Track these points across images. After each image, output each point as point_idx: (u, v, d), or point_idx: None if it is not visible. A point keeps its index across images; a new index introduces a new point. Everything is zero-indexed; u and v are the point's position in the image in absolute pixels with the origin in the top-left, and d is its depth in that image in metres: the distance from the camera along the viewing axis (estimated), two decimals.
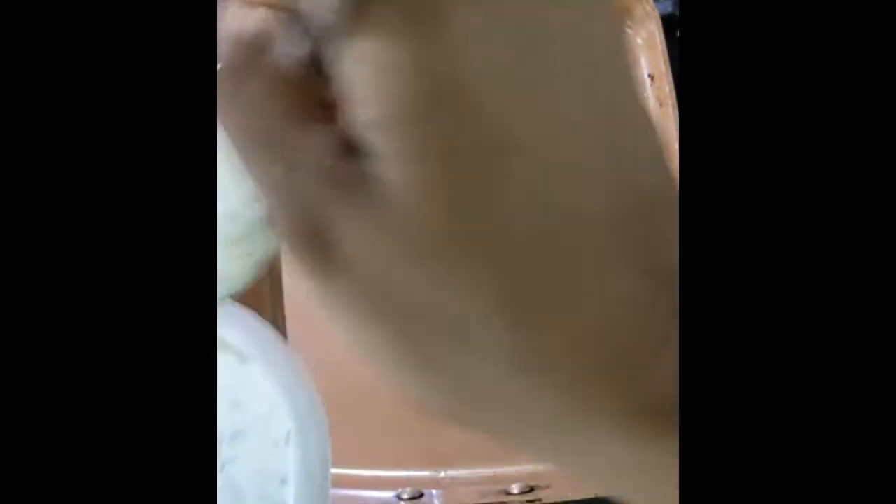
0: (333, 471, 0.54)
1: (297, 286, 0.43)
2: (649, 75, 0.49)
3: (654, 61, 0.47)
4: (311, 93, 0.14)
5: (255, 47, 0.15)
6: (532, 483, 0.47)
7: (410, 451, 0.52)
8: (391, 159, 0.13)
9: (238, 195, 0.19)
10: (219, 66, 0.17)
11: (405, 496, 0.49)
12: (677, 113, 0.45)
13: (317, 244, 0.14)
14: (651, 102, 0.49)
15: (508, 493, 0.47)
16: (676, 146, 0.46)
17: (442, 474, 0.51)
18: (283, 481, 0.36)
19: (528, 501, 0.45)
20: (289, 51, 0.14)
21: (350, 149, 0.13)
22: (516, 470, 0.50)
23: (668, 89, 0.45)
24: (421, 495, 0.50)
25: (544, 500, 0.45)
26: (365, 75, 0.13)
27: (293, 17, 0.14)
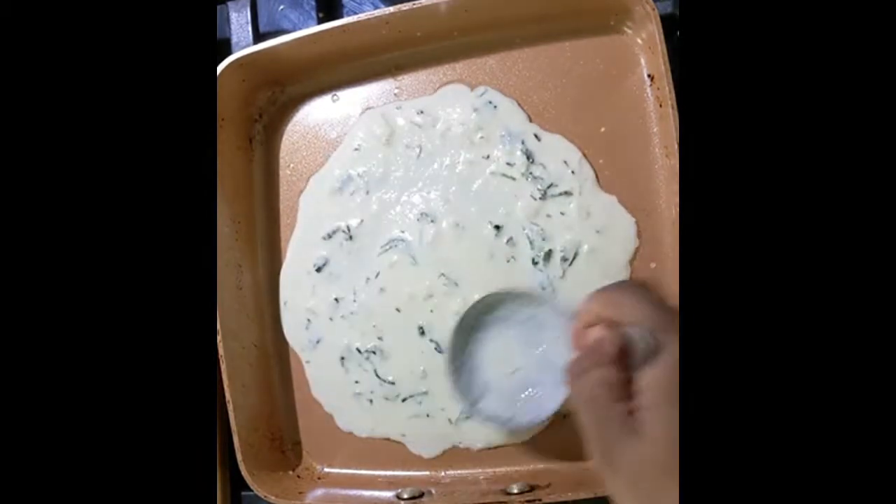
0: (334, 470, 0.54)
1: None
2: (649, 75, 0.49)
3: (654, 61, 0.47)
4: (620, 384, 0.29)
5: (602, 356, 0.30)
6: (532, 483, 0.47)
7: (410, 451, 0.52)
8: (655, 415, 0.28)
9: None
10: (579, 350, 0.33)
11: (405, 496, 0.49)
12: (677, 113, 0.45)
13: (603, 445, 0.29)
14: (651, 102, 0.49)
15: (508, 493, 0.47)
16: (676, 146, 0.46)
17: (442, 474, 0.51)
18: None
19: (527, 501, 0.45)
20: (616, 359, 0.30)
21: (629, 399, 0.29)
22: (516, 470, 0.50)
23: (668, 89, 0.45)
24: (421, 495, 0.49)
25: (544, 500, 0.45)
26: (650, 385, 0.29)
27: (623, 340, 0.30)
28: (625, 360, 0.30)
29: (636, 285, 0.32)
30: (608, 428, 0.29)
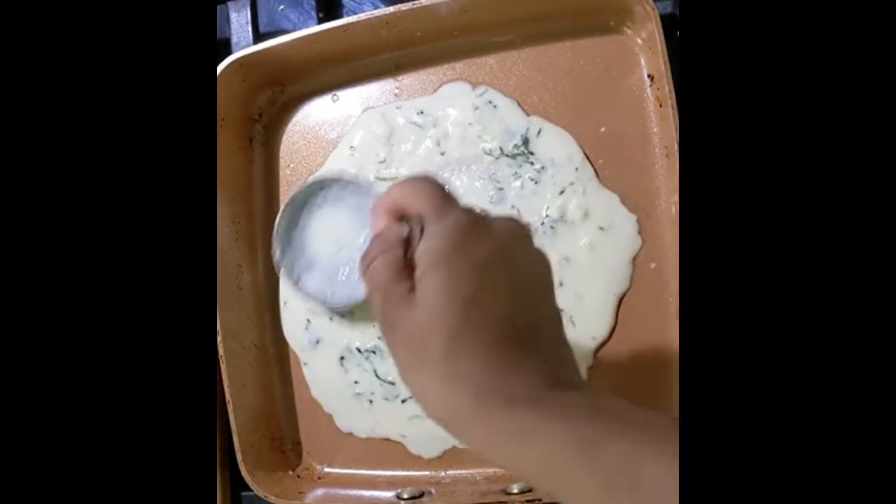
0: (334, 470, 0.54)
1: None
2: (649, 75, 0.49)
3: (654, 61, 0.47)
4: (403, 262, 0.31)
5: (391, 242, 0.32)
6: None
7: (410, 451, 0.52)
8: (422, 283, 0.30)
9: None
10: (371, 240, 0.34)
11: (405, 496, 0.49)
12: (677, 113, 0.45)
13: (387, 320, 0.31)
14: (651, 102, 0.49)
15: (508, 493, 0.47)
16: (676, 146, 0.46)
17: (442, 474, 0.51)
18: None
19: (528, 501, 0.45)
20: (400, 245, 0.32)
21: (410, 279, 0.31)
22: None
23: (668, 89, 0.45)
24: (421, 495, 0.49)
25: (544, 501, 0.45)
26: (419, 258, 0.31)
27: (408, 230, 0.32)
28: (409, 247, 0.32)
29: (425, 177, 0.34)
30: (390, 303, 0.30)
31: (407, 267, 0.31)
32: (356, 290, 0.48)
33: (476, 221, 0.31)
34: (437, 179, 0.33)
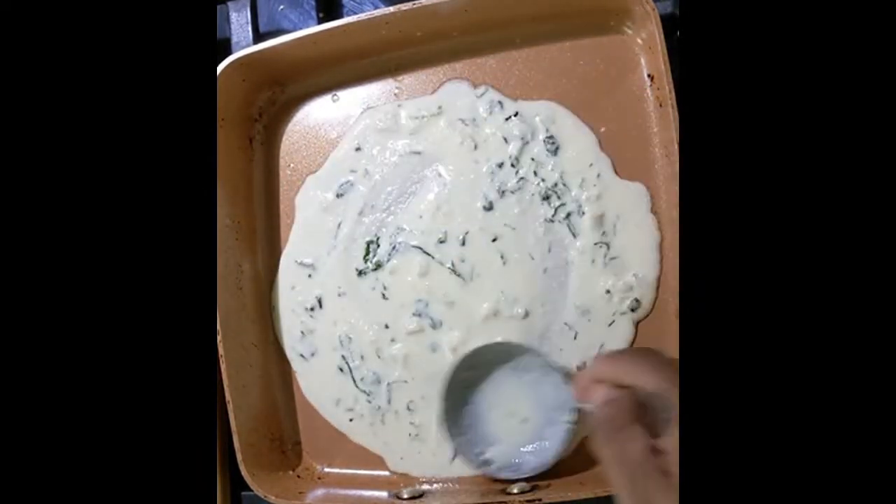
0: (334, 470, 0.54)
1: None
2: (649, 75, 0.49)
3: (654, 61, 0.47)
4: (646, 439, 0.32)
5: (624, 414, 0.33)
6: (532, 483, 0.47)
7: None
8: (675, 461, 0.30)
9: None
10: (603, 415, 0.34)
11: (405, 496, 0.49)
12: (677, 113, 0.45)
13: (638, 494, 0.32)
14: (651, 102, 0.49)
15: (508, 493, 0.47)
16: (676, 146, 0.46)
17: (442, 474, 0.51)
18: None
19: (527, 501, 0.45)
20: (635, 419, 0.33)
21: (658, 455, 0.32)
22: None
23: (668, 89, 0.45)
24: (421, 495, 0.49)
25: (544, 500, 0.45)
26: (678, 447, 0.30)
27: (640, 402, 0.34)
28: (644, 420, 0.33)
29: (642, 351, 0.35)
30: (646, 485, 0.31)
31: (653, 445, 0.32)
32: (544, 458, 0.47)
33: None
34: (662, 354, 0.34)
